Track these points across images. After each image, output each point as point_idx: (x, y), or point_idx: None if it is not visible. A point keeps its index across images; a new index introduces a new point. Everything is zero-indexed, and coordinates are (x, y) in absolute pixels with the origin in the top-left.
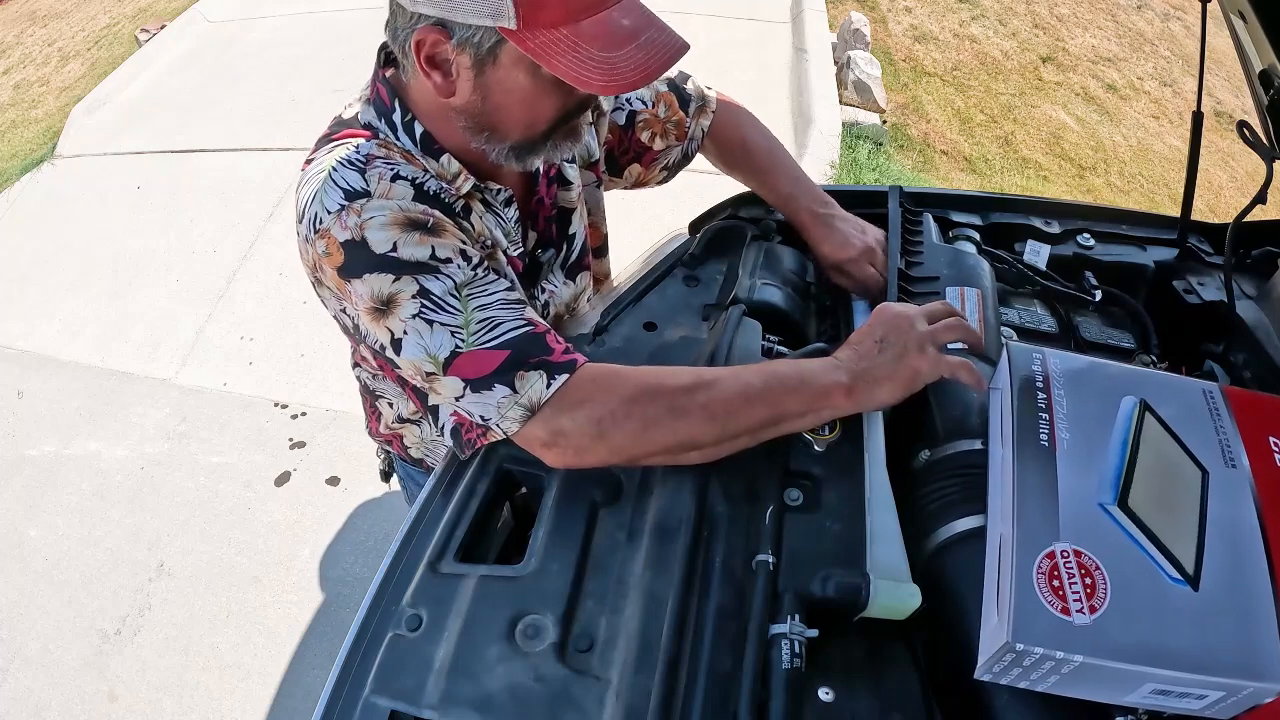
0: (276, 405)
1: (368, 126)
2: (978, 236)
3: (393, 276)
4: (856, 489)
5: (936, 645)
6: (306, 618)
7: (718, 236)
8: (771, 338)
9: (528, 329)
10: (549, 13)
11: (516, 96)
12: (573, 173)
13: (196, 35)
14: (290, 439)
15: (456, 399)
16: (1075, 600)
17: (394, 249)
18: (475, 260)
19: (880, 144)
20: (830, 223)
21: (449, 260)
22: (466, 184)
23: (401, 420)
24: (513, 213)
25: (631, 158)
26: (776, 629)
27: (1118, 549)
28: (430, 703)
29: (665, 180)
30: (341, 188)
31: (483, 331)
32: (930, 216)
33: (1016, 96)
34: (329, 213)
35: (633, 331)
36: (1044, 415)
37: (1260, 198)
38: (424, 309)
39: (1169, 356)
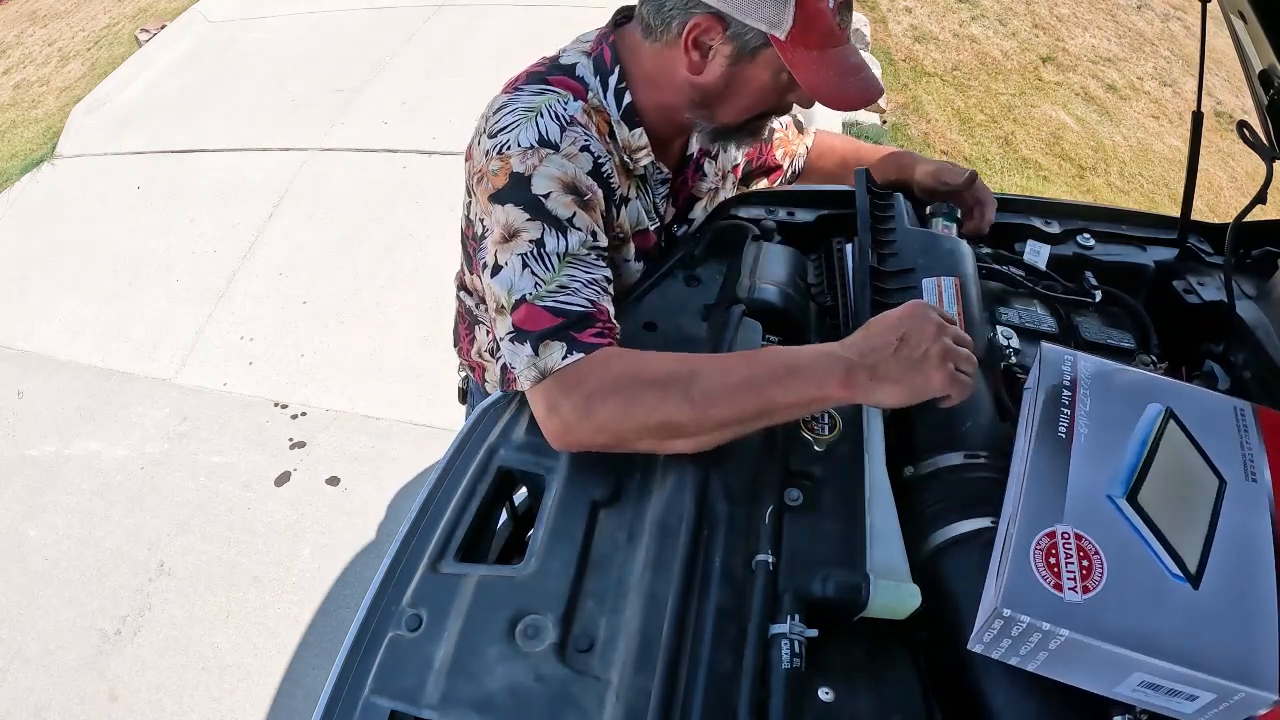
0: (276, 405)
1: (581, 80)
2: (959, 213)
3: (528, 216)
4: (856, 489)
5: (935, 646)
6: (306, 618)
7: (718, 236)
8: (771, 338)
9: (588, 309)
10: (813, 37)
11: (753, 90)
12: (710, 169)
13: (196, 35)
14: (290, 439)
15: (504, 338)
16: (1069, 578)
17: (546, 196)
18: (600, 245)
19: (880, 144)
20: (934, 161)
21: (579, 230)
22: (646, 159)
23: (492, 353)
24: (664, 190)
25: (762, 173)
26: (776, 629)
27: (1120, 538)
28: (430, 703)
29: None
30: (540, 132)
31: (556, 294)
32: (901, 197)
33: (1016, 96)
34: (519, 146)
35: (633, 331)
36: (1066, 411)
37: (1260, 198)
38: (530, 254)
39: (1169, 356)
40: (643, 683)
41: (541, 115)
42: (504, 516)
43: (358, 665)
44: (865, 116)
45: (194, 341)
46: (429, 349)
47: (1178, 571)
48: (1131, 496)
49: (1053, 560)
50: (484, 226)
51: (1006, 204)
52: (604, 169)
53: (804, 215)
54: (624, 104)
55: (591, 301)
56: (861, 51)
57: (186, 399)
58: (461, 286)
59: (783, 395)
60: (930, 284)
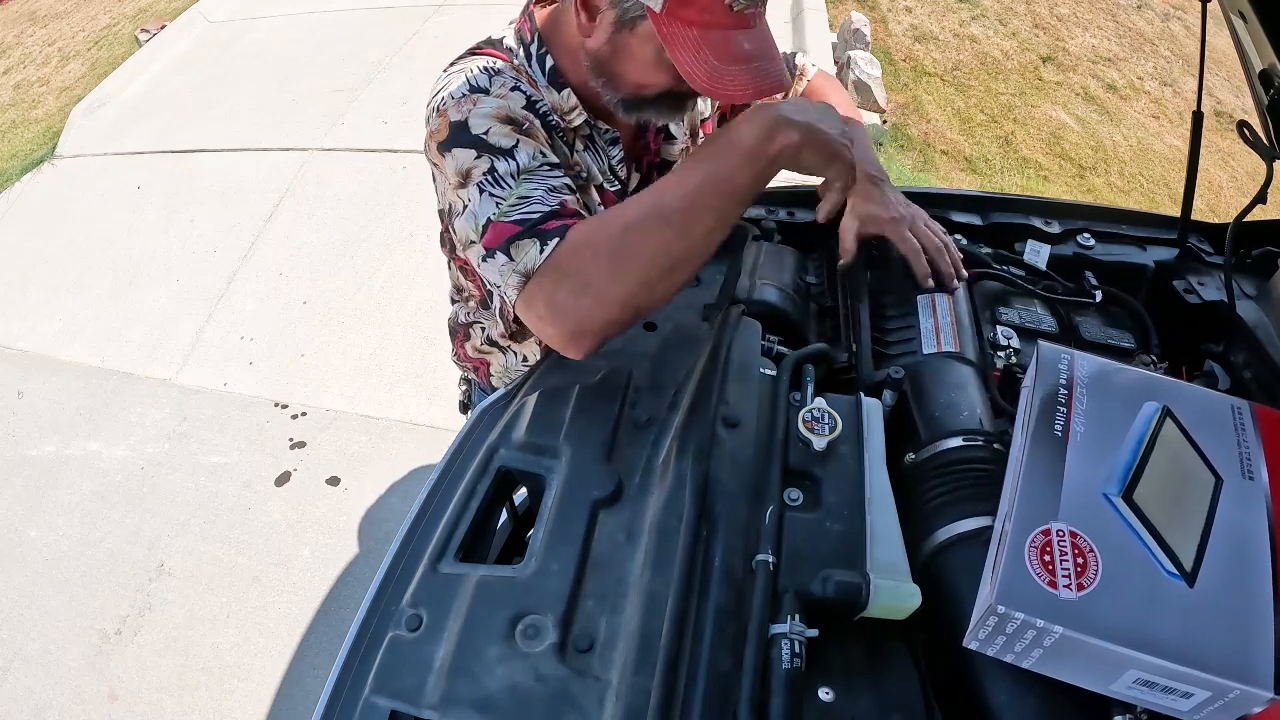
0: (276, 405)
1: (507, 50)
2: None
3: (475, 153)
4: (856, 489)
5: (935, 646)
6: (306, 618)
7: None
8: (771, 338)
9: (553, 209)
10: (689, 13)
11: (637, 63)
12: (677, 130)
13: (196, 35)
14: (290, 439)
15: (481, 265)
16: (1064, 576)
17: (486, 133)
18: (552, 160)
19: (880, 144)
20: (880, 185)
21: (525, 151)
22: (579, 119)
23: (491, 343)
24: (616, 152)
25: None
26: (776, 629)
27: (1115, 536)
28: (430, 703)
29: None
30: (470, 83)
31: (517, 206)
32: None
33: (1016, 96)
34: (452, 98)
35: (633, 331)
36: (1062, 409)
37: (1260, 198)
38: (485, 182)
39: (1169, 356)
40: (643, 683)
41: (471, 72)
42: (504, 516)
43: (358, 665)
44: (865, 117)
45: (194, 341)
46: (429, 349)
47: (1173, 569)
48: (1127, 495)
49: (1047, 558)
50: (444, 186)
51: (1006, 204)
52: (539, 105)
53: (804, 215)
54: (547, 68)
55: (555, 204)
56: (860, 51)
57: (186, 399)
58: (453, 300)
59: (741, 173)
60: (925, 299)
